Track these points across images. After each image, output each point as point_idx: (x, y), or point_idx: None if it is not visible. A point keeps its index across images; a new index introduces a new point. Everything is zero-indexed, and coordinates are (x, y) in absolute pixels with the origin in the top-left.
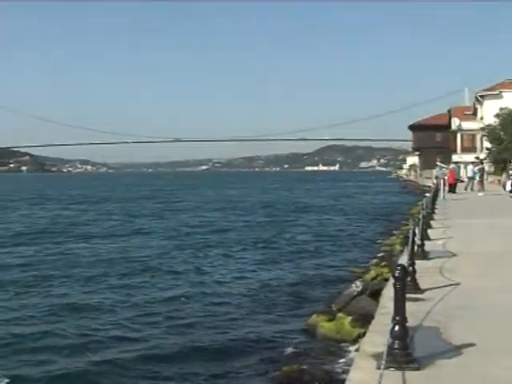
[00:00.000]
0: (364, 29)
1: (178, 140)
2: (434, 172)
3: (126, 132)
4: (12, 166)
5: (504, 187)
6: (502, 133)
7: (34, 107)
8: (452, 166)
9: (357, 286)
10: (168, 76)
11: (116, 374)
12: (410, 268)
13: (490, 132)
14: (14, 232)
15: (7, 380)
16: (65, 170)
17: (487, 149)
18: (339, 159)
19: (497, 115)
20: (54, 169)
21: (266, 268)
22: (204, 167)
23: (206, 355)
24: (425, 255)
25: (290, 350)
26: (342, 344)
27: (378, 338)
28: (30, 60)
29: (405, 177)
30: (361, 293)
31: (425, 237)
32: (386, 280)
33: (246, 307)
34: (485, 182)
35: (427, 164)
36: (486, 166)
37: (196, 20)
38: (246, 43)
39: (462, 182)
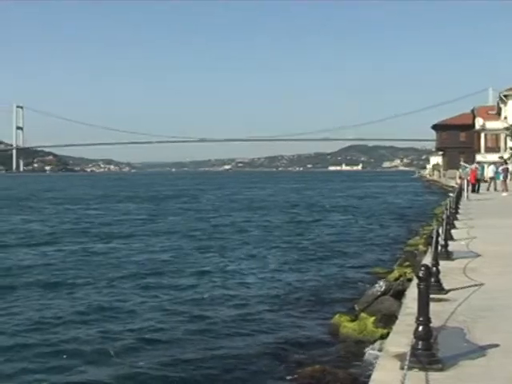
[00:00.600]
0: (385, 27)
1: (202, 140)
2: (458, 172)
3: (149, 132)
4: (36, 165)
5: None
6: None
7: (57, 107)
8: (474, 165)
9: (380, 286)
10: (190, 75)
11: (141, 376)
12: (434, 268)
13: None
14: (40, 232)
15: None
16: (88, 170)
17: (511, 148)
18: (362, 159)
19: None
20: (77, 168)
21: (289, 268)
22: (227, 167)
23: (227, 355)
24: (448, 255)
25: (312, 350)
26: (365, 344)
27: (401, 338)
28: (53, 60)
29: (428, 177)
30: (384, 293)
31: (448, 237)
32: (410, 280)
33: (269, 307)
34: (509, 182)
35: (450, 164)
36: (510, 166)
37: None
38: (268, 42)
39: (486, 182)
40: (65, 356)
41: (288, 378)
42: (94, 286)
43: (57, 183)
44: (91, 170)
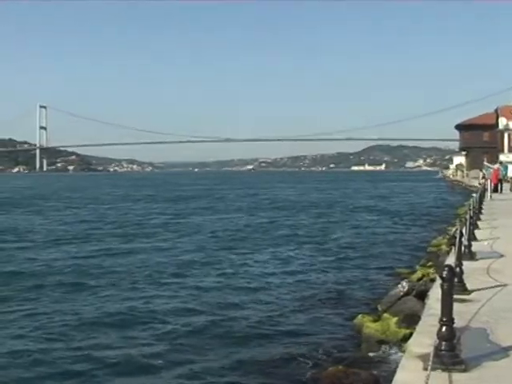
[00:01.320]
0: (411, 29)
1: (226, 140)
2: (481, 173)
3: (173, 132)
4: (59, 165)
5: None
6: None
7: (80, 107)
8: (496, 165)
9: (403, 286)
10: (214, 76)
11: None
12: (457, 269)
13: None
14: (64, 232)
15: None
16: (111, 170)
17: None
18: (385, 159)
19: None
20: (100, 168)
21: (312, 268)
22: (250, 167)
23: (250, 355)
24: (472, 256)
25: (335, 350)
26: (388, 345)
27: (424, 339)
28: (76, 59)
29: (451, 177)
30: (407, 293)
31: (472, 237)
32: (433, 281)
33: (292, 306)
34: None
35: (474, 164)
36: None
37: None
38: (290, 42)
39: (508, 182)
40: (89, 360)
41: (311, 378)
42: (117, 287)
43: (79, 183)
44: (114, 170)
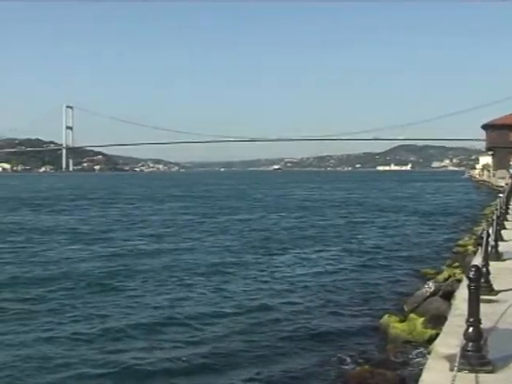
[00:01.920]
0: (437, 29)
1: (254, 140)
2: (508, 173)
3: (199, 131)
4: (85, 165)
5: None
6: None
7: (106, 107)
8: None
9: (429, 286)
10: (242, 76)
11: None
12: (484, 269)
13: None
14: (91, 230)
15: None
16: (137, 169)
17: None
18: (411, 159)
19: None
20: (126, 168)
21: (339, 268)
22: (276, 167)
23: (277, 355)
24: (499, 256)
25: (361, 350)
26: (414, 345)
27: (451, 339)
28: (102, 59)
29: (478, 177)
30: (433, 294)
31: (498, 237)
32: (459, 281)
33: (318, 306)
34: None
35: (500, 164)
36: None
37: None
38: (317, 43)
39: None
40: (115, 363)
41: (337, 378)
42: (145, 288)
43: (105, 182)
44: (140, 170)
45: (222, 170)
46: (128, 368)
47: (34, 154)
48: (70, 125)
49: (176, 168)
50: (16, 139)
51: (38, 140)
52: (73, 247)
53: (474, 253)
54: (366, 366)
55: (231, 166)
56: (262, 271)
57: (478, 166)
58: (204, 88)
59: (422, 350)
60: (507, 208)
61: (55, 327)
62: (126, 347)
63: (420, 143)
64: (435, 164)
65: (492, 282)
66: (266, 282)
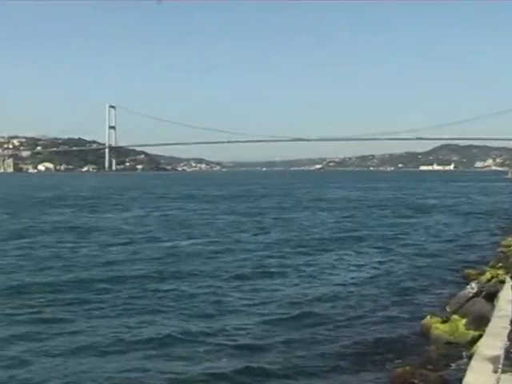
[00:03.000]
0: (478, 27)
1: (296, 139)
2: None
3: (242, 131)
4: (128, 164)
5: None
6: None
7: (149, 107)
8: None
9: (472, 287)
10: (285, 76)
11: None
12: None
13: None
14: (133, 229)
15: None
16: (179, 169)
17: None
18: (454, 159)
19: None
20: (168, 167)
21: (381, 268)
22: (318, 166)
23: (318, 354)
24: None
25: (403, 350)
26: (457, 346)
27: (494, 341)
28: (144, 59)
29: None
30: (476, 295)
31: None
32: (502, 282)
33: (361, 307)
34: None
35: None
36: None
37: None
38: (355, 42)
39: None
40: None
41: (378, 378)
42: (191, 291)
43: (153, 181)
44: (182, 169)
45: (264, 169)
46: (181, 375)
47: (77, 153)
48: (113, 124)
49: (218, 167)
50: (59, 139)
51: (81, 140)
52: (120, 248)
53: None
54: (408, 367)
55: (273, 165)
56: (306, 274)
57: None
58: (246, 88)
59: (464, 351)
60: None
61: (100, 333)
62: (171, 354)
63: (463, 143)
64: (478, 164)
65: None
66: (305, 281)
